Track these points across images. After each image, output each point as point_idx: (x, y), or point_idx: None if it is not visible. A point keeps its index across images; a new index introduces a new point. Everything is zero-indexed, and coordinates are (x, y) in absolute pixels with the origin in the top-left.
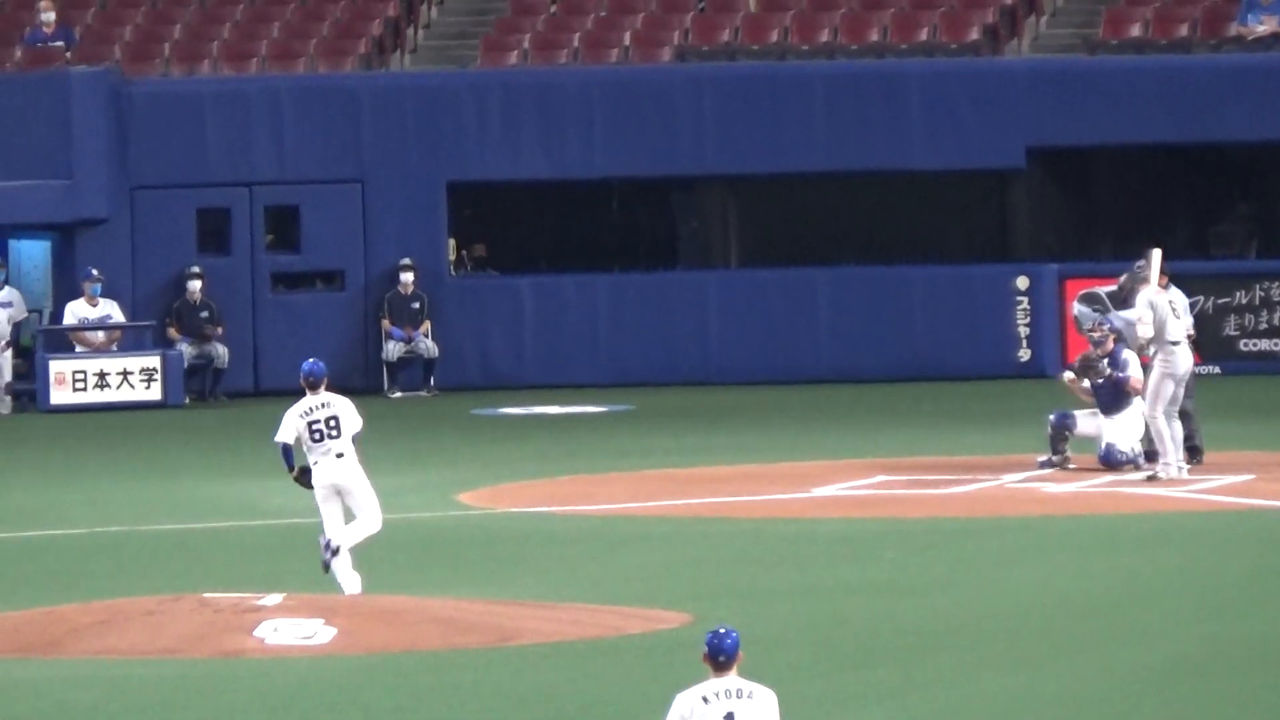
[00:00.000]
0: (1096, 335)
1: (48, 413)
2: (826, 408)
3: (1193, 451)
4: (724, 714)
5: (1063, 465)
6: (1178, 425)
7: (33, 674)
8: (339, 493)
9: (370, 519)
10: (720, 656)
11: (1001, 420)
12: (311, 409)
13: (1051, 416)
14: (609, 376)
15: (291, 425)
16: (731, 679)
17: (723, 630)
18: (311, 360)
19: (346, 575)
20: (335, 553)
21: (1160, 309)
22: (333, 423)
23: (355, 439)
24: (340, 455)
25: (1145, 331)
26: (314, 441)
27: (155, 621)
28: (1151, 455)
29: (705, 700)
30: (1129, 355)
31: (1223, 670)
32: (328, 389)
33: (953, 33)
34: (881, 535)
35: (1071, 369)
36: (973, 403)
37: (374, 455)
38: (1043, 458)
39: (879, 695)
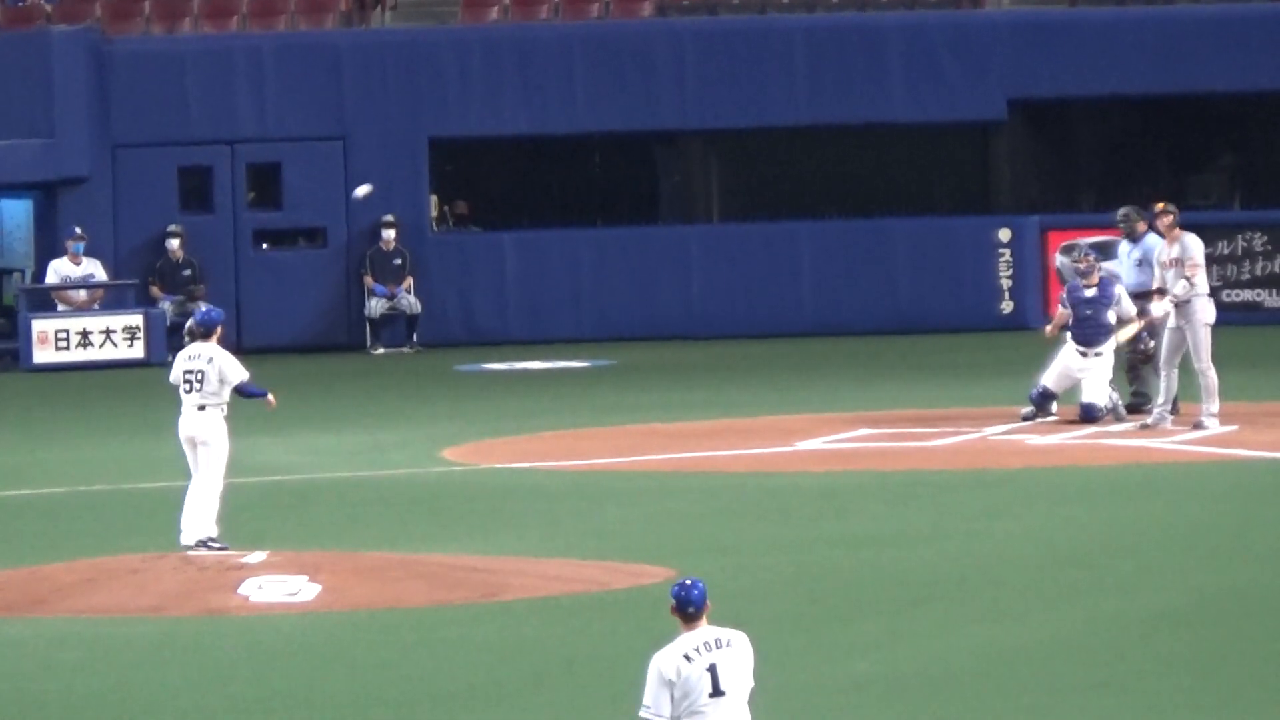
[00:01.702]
0: (1083, 266)
1: (30, 371)
2: (809, 361)
3: (1140, 403)
4: (707, 667)
5: (1048, 416)
6: (1175, 379)
7: (17, 632)
8: (193, 444)
9: (205, 482)
10: (689, 608)
11: (984, 372)
12: (191, 357)
13: (1032, 394)
14: (591, 331)
15: (175, 369)
16: (706, 630)
17: (689, 582)
18: (205, 309)
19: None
20: (215, 546)
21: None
22: (200, 376)
23: (237, 391)
24: (201, 408)
25: (1190, 285)
26: (184, 392)
27: (139, 580)
28: (1134, 407)
29: (688, 658)
30: (1118, 289)
31: (1207, 620)
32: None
33: None
34: (864, 488)
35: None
36: (955, 355)
37: (357, 412)
38: (1026, 410)
39: (864, 647)
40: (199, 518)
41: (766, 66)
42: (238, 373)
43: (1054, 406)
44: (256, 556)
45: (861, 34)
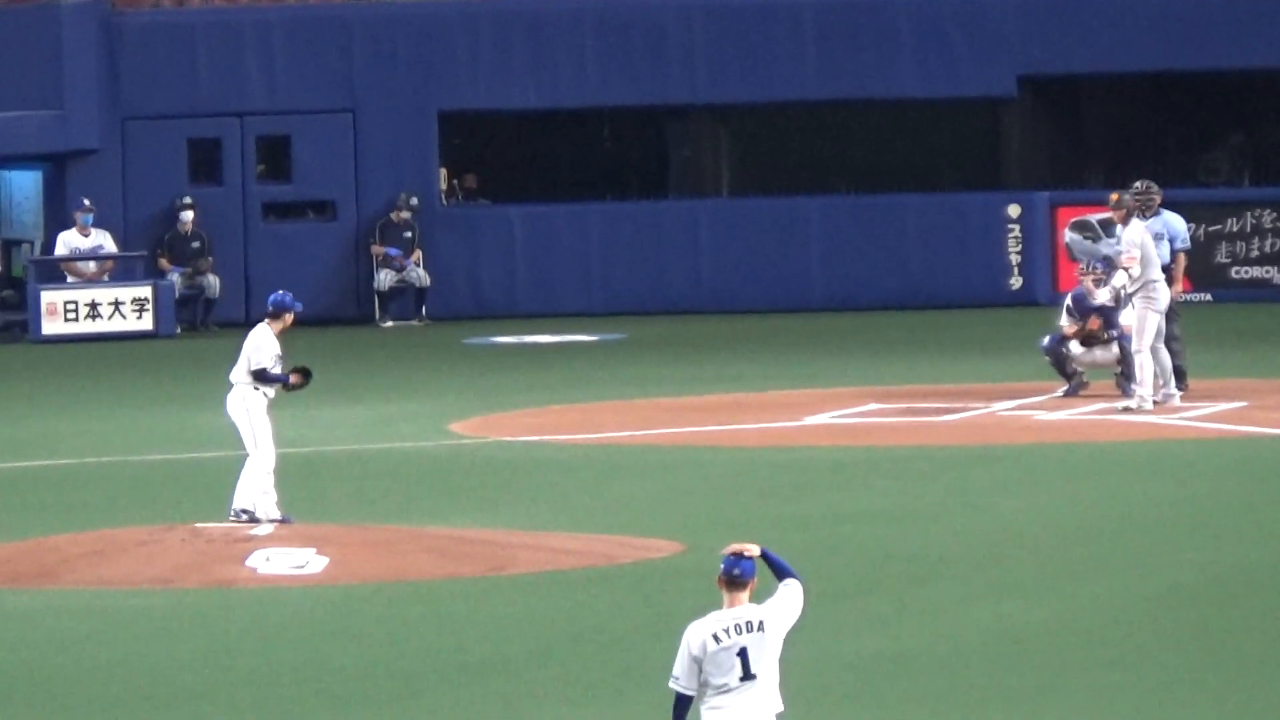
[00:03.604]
0: (1090, 280)
1: (39, 343)
2: (818, 336)
3: (1177, 375)
4: (737, 651)
5: (1082, 386)
6: (1165, 355)
7: (26, 604)
8: (230, 422)
9: (251, 460)
10: (735, 571)
11: (993, 348)
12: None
13: (1044, 343)
14: (600, 305)
15: None
16: (743, 609)
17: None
18: (280, 292)
19: (263, 508)
20: (252, 519)
21: (1146, 248)
22: (239, 351)
23: (255, 374)
24: (232, 385)
25: (1128, 276)
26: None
27: (148, 551)
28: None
29: (716, 639)
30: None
31: (1215, 597)
32: (296, 321)
33: None
34: (873, 463)
35: (1073, 307)
36: (964, 331)
37: (365, 385)
38: (1061, 390)
39: (872, 623)
40: (239, 491)
41: (777, 41)
42: (254, 358)
43: (1082, 372)
44: (265, 529)
45: (872, 9)
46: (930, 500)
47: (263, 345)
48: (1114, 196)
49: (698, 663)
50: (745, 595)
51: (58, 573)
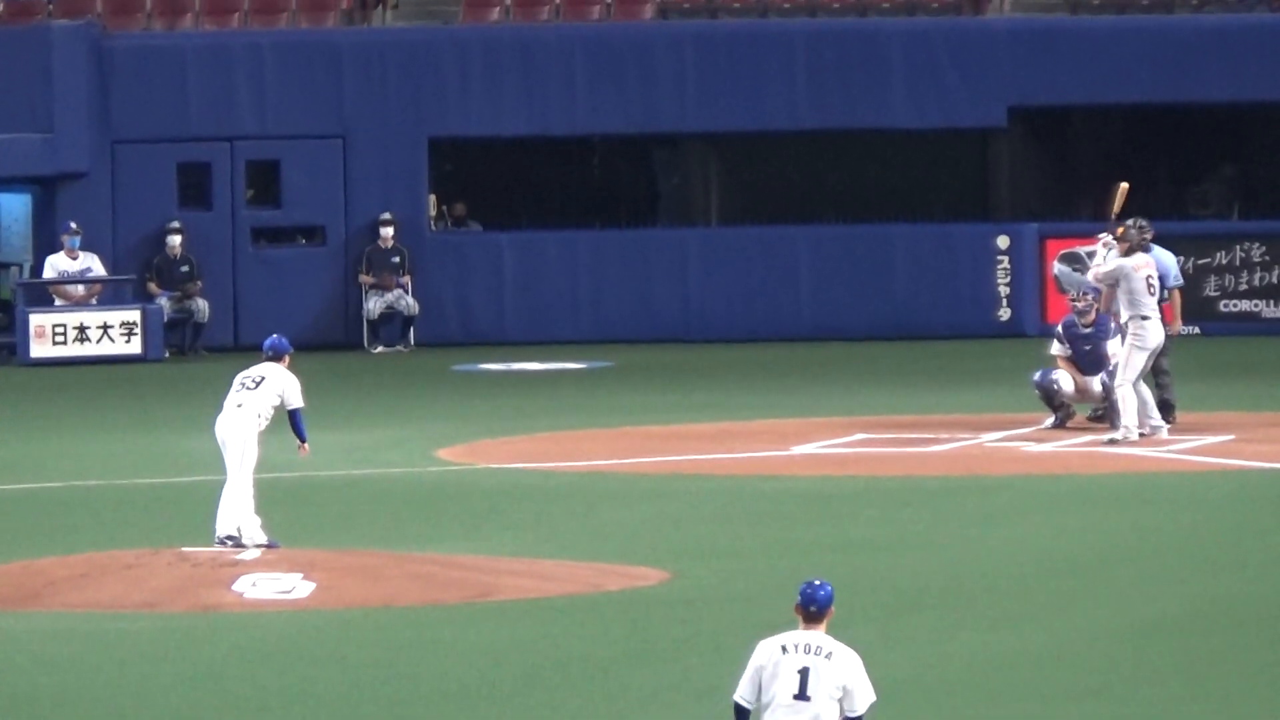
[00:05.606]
0: (1081, 305)
1: (27, 366)
2: (806, 366)
3: (1165, 408)
4: (799, 668)
5: (1069, 417)
6: (1144, 389)
7: (10, 627)
8: (223, 444)
9: (231, 483)
10: (811, 606)
11: (981, 379)
12: (256, 369)
13: (1035, 377)
14: (589, 333)
15: (235, 381)
16: (816, 634)
17: (817, 582)
18: (276, 337)
19: (252, 535)
20: (238, 544)
21: (1134, 281)
22: (258, 381)
23: (291, 417)
24: (239, 406)
25: (1095, 275)
26: (234, 391)
27: (134, 575)
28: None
29: (784, 650)
30: (1114, 325)
31: (1201, 629)
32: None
33: None
34: (860, 493)
35: (1059, 337)
36: (952, 361)
37: (353, 410)
38: (1048, 421)
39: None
40: (223, 515)
41: (767, 70)
42: (297, 397)
43: (1071, 406)
44: (251, 553)
45: (862, 39)
46: (917, 530)
47: (298, 385)
48: (1120, 230)
49: (759, 672)
50: (822, 628)
51: (43, 596)
